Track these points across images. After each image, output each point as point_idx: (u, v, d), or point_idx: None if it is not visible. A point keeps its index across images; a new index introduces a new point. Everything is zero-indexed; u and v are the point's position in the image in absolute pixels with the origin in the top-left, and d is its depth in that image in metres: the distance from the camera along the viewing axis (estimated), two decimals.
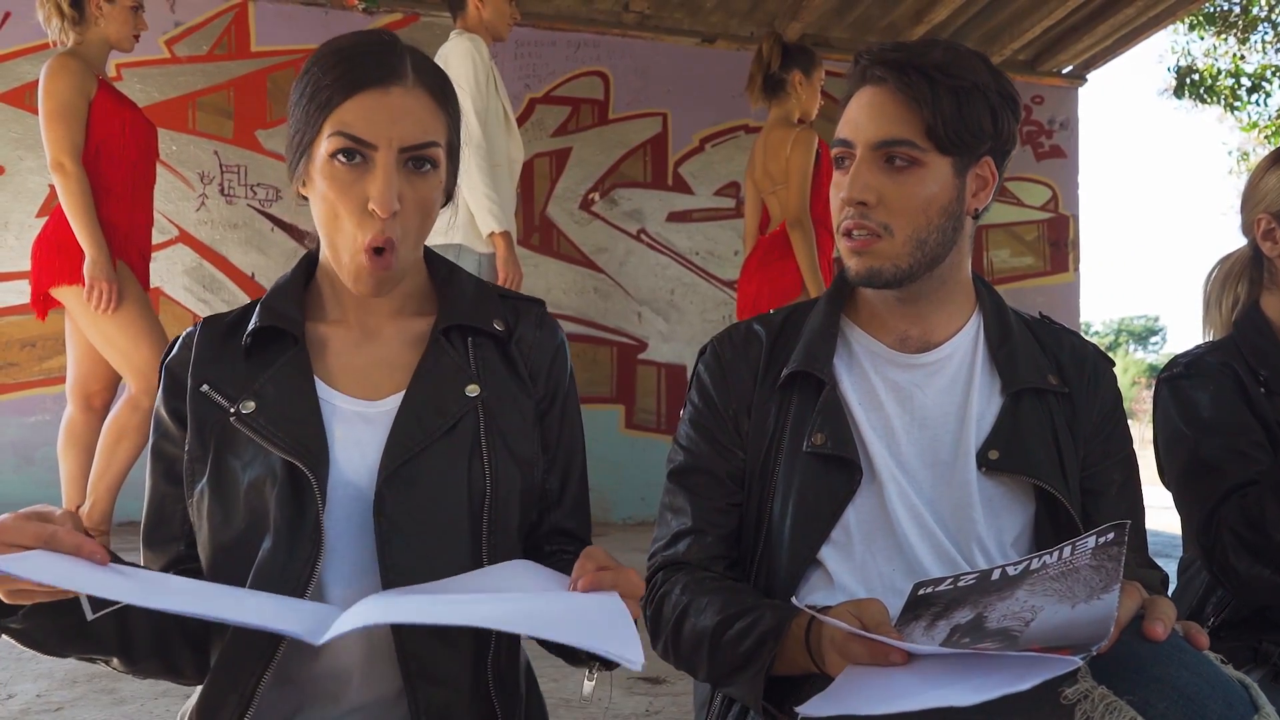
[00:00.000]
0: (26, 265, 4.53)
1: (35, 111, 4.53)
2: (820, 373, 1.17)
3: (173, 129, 4.72)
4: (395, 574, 0.97)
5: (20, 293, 4.58)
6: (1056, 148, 5.89)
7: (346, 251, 1.02)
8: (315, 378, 1.06)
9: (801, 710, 0.85)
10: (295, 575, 0.97)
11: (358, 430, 1.05)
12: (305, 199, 1.07)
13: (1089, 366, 1.24)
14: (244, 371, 1.06)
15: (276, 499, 0.99)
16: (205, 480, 1.02)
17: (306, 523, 0.98)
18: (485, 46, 3.17)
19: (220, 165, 4.81)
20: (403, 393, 1.07)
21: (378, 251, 1.00)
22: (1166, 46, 8.76)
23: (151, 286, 3.23)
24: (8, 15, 4.64)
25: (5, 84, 4.63)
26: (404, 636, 0.98)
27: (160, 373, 1.10)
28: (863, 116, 1.14)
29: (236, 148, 4.82)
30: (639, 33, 5.29)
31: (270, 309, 1.08)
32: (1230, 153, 10.02)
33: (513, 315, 1.17)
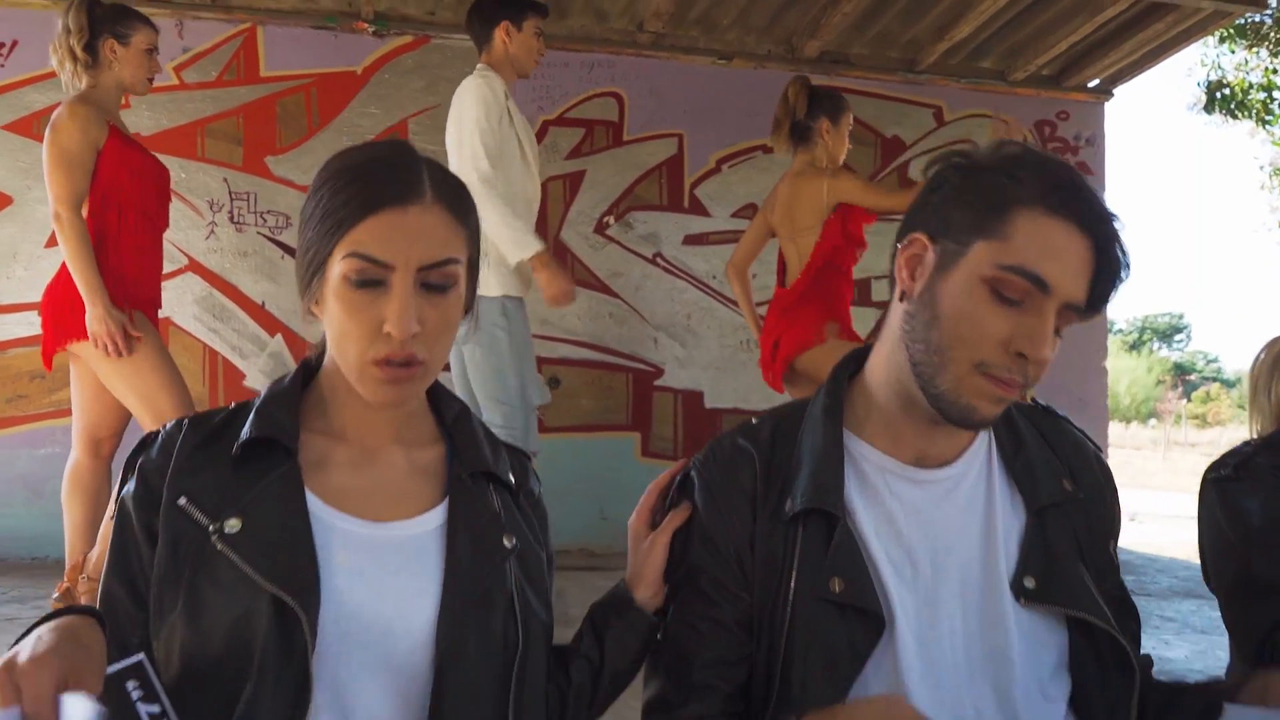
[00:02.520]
0: (35, 296, 4.51)
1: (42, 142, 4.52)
2: (832, 507, 1.07)
3: (182, 157, 4.66)
4: None
5: (29, 324, 4.54)
6: (1082, 164, 5.74)
7: (356, 367, 0.97)
8: (311, 494, 0.98)
9: None
10: None
11: (360, 557, 0.96)
12: (316, 317, 1.02)
13: (1095, 466, 1.17)
14: (230, 484, 0.96)
15: (262, 636, 0.89)
16: (178, 611, 0.92)
17: (293, 664, 0.89)
18: (501, 84, 3.09)
19: (230, 193, 4.74)
20: (409, 521, 1.01)
21: (391, 363, 0.96)
22: (1196, 59, 8.55)
23: (161, 316, 3.17)
24: (14, 43, 4.59)
25: (13, 113, 4.59)
26: None
27: (133, 473, 1.00)
28: (1070, 268, 0.99)
29: (246, 175, 4.76)
30: (654, 52, 5.19)
31: (265, 417, 1.00)
32: (1262, 167, 9.81)
33: (518, 466, 1.14)
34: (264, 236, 4.77)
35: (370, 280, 0.94)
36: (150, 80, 3.05)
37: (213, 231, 4.72)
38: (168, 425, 1.03)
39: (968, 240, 1.01)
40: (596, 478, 4.94)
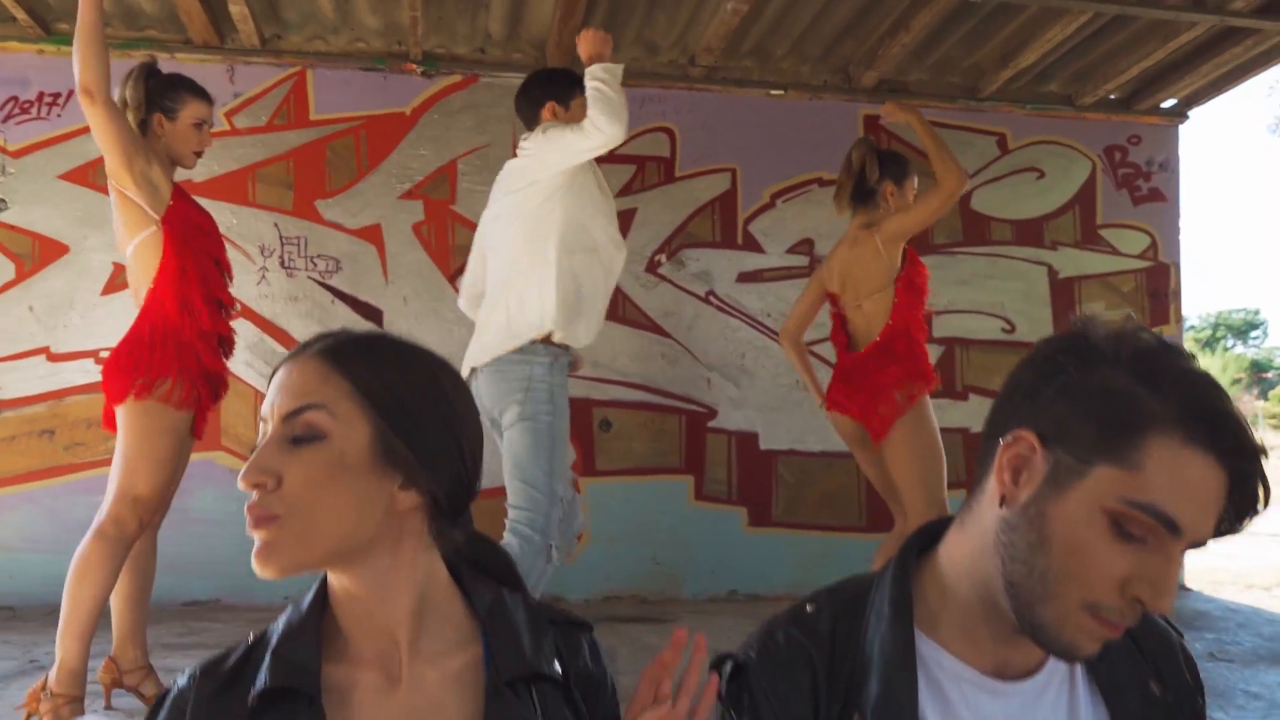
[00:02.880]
0: (92, 344, 4.59)
1: (99, 189, 4.54)
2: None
3: (233, 202, 4.67)
4: None
5: (86, 372, 4.58)
6: (1156, 191, 5.51)
7: None
8: None
9: None
10: None
11: None
12: None
13: (1181, 661, 1.06)
14: None
15: None
16: None
17: None
18: None
19: (280, 237, 4.74)
20: None
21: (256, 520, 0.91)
22: (1278, 78, 8.12)
23: None
24: (71, 93, 4.62)
25: (68, 162, 4.63)
26: None
27: None
28: (1204, 508, 0.87)
29: (296, 219, 4.75)
30: (706, 85, 5.08)
31: (282, 661, 0.93)
32: None
33: (567, 646, 1.04)
34: (315, 281, 4.76)
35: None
36: (198, 154, 3.01)
37: (264, 277, 4.72)
38: (179, 682, 0.97)
39: (1089, 459, 0.88)
40: (649, 522, 4.85)
